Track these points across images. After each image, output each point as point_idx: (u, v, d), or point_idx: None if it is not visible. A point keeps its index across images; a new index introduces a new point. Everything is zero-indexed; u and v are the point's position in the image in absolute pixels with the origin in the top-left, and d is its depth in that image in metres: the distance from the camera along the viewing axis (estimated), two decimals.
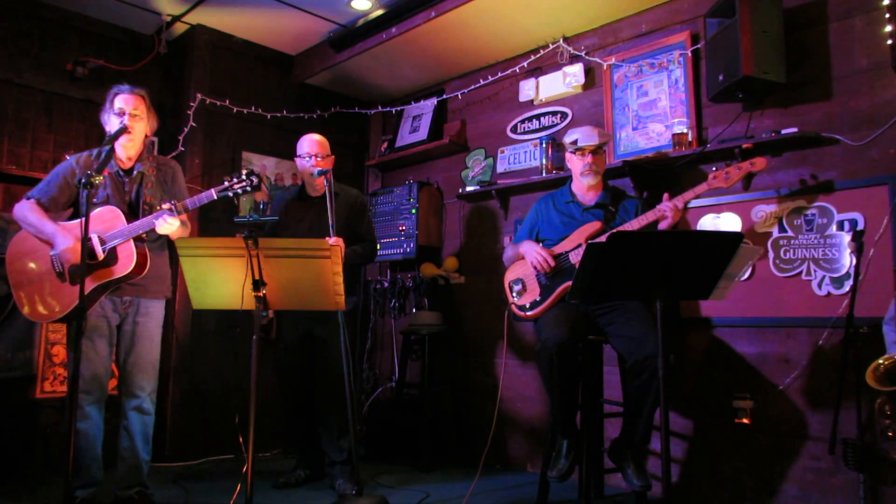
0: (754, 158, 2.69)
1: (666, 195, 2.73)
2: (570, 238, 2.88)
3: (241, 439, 3.52)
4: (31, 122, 3.64)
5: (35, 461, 3.43)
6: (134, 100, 2.76)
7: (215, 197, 2.66)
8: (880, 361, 1.75)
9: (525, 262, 2.96)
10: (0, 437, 3.34)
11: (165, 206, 2.63)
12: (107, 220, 2.64)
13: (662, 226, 2.72)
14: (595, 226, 2.85)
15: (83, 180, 2.25)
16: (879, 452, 1.83)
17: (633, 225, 2.74)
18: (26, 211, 2.68)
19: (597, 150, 2.92)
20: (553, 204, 3.06)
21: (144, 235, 2.69)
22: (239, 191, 2.65)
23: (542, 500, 2.87)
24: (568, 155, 3.02)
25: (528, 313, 2.90)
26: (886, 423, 1.78)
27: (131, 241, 2.62)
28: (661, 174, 3.28)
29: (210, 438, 3.93)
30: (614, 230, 2.55)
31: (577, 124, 3.60)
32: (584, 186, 2.97)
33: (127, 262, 2.61)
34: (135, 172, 2.80)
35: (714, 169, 2.73)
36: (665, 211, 2.69)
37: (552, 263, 2.83)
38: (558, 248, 2.89)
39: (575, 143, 2.94)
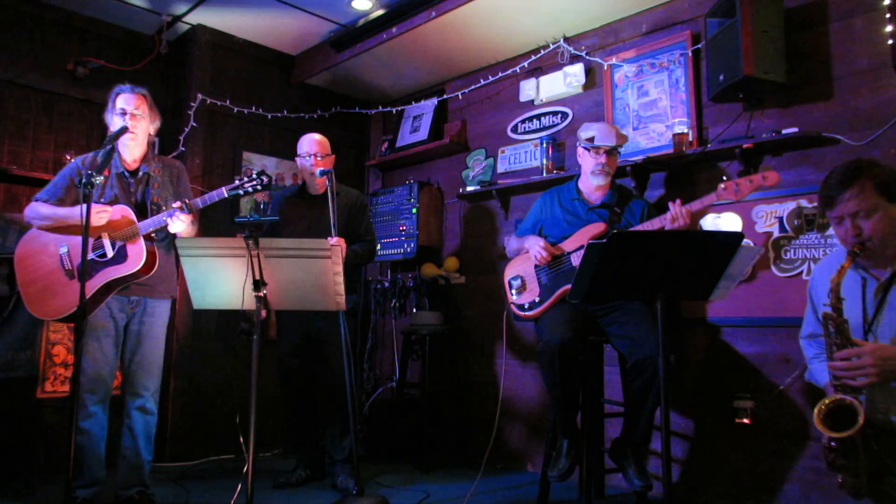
0: (766, 172, 2.56)
1: (679, 202, 2.61)
2: (573, 238, 2.86)
3: (241, 439, 3.53)
4: (31, 122, 3.65)
5: (37, 461, 3.42)
6: (135, 99, 2.77)
7: (226, 195, 2.67)
8: (823, 404, 1.76)
9: (526, 259, 2.95)
10: (2, 436, 3.34)
11: (176, 204, 2.64)
12: (117, 219, 2.65)
13: None
14: (599, 227, 2.82)
15: (83, 180, 2.26)
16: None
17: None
18: (38, 208, 2.71)
19: (611, 151, 2.90)
20: (558, 199, 3.02)
21: (154, 234, 2.70)
22: (249, 189, 2.66)
23: (542, 500, 2.88)
24: (580, 150, 2.97)
25: (527, 313, 2.90)
26: (832, 456, 1.84)
27: (141, 240, 2.63)
28: (661, 174, 3.28)
29: (210, 438, 3.93)
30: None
31: (578, 124, 3.59)
32: (592, 185, 2.94)
33: (136, 260, 2.62)
34: (140, 173, 2.81)
35: (725, 178, 2.59)
36: (676, 221, 2.59)
37: (550, 256, 2.81)
38: (561, 247, 2.88)
39: (591, 140, 2.90)
